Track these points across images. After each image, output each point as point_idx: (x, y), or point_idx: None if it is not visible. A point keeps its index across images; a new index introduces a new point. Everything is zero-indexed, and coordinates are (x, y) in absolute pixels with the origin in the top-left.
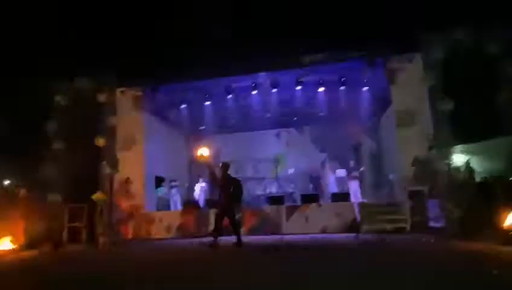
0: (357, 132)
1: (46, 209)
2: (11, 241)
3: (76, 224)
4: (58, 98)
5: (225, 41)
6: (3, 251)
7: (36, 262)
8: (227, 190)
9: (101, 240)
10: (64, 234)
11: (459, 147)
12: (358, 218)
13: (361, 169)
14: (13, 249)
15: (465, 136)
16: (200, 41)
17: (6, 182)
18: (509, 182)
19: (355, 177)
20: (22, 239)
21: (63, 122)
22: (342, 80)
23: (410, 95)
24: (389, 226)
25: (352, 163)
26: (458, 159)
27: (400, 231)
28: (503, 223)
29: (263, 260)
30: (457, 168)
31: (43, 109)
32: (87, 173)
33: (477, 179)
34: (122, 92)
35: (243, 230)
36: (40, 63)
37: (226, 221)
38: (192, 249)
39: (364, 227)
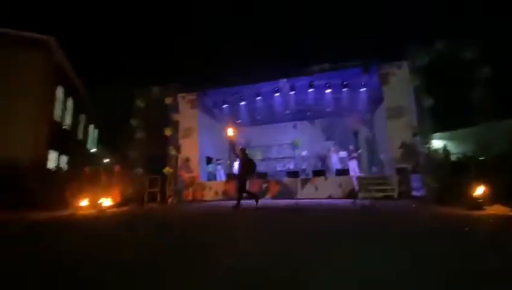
0: (355, 122)
1: (133, 179)
2: (111, 200)
3: (153, 189)
4: (138, 101)
5: (253, 58)
6: (107, 206)
7: (130, 213)
8: (243, 166)
9: (170, 200)
10: (145, 196)
11: (437, 134)
12: (356, 188)
13: (359, 151)
14: (112, 205)
15: (443, 125)
16: (236, 58)
17: (106, 161)
18: (480, 161)
19: (354, 157)
20: (118, 199)
21: (142, 119)
22: (344, 83)
23: (399, 94)
24: (379, 194)
25: (351, 147)
26: (437, 143)
27: (388, 198)
28: (473, 192)
29: (282, 213)
30: (435, 151)
31: (129, 109)
32: (159, 153)
33: (452, 159)
34: (182, 96)
35: (268, 195)
36: (127, 77)
37: (252, 187)
38: (227, 207)
39: (360, 195)
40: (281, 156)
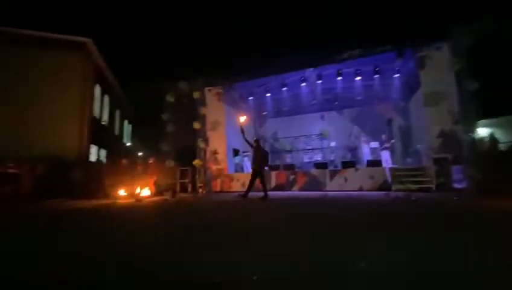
0: (388, 111)
1: (166, 171)
2: (149, 190)
3: (184, 180)
4: (168, 96)
5: (279, 48)
6: (146, 195)
7: (165, 201)
8: (259, 157)
9: (200, 190)
10: (177, 187)
11: (483, 121)
12: (390, 179)
13: (392, 141)
14: (149, 195)
15: (490, 111)
16: (260, 50)
17: (140, 154)
18: None
19: (386, 148)
20: (153, 189)
21: (172, 113)
22: (376, 69)
23: (438, 78)
24: (415, 187)
25: (383, 136)
26: (482, 131)
27: (425, 190)
28: None
29: (311, 204)
30: (481, 139)
31: (160, 104)
32: (189, 146)
33: (502, 148)
34: (209, 90)
35: (296, 187)
36: (157, 73)
37: (279, 179)
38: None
39: (394, 187)
40: (308, 147)
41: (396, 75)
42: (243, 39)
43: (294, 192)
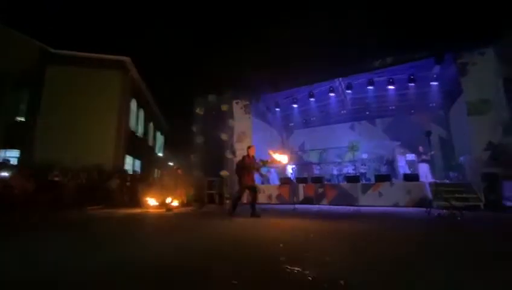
0: (426, 121)
1: (195, 181)
2: (177, 200)
3: (212, 191)
4: (197, 109)
5: (306, 58)
6: (176, 206)
7: (193, 211)
8: (253, 172)
9: (227, 202)
10: (205, 197)
11: None
12: (430, 195)
13: (431, 153)
14: (179, 205)
15: None
16: (287, 61)
17: (170, 164)
18: None
19: (425, 160)
20: (182, 200)
21: (201, 125)
22: (411, 77)
23: (483, 85)
24: (459, 203)
25: (421, 148)
26: None
27: (471, 208)
28: None
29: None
30: None
31: (189, 117)
32: (217, 157)
33: None
34: (236, 103)
35: (325, 201)
36: (187, 87)
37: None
38: (282, 210)
39: (436, 203)
40: (338, 159)
41: (434, 83)
42: (271, 51)
43: (324, 206)
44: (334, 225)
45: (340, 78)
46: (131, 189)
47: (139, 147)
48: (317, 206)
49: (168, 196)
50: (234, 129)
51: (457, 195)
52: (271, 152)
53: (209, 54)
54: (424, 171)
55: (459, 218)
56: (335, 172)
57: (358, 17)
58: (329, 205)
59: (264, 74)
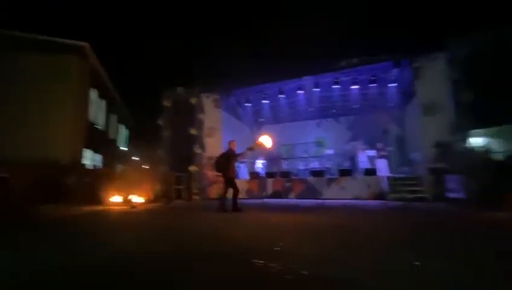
0: (384, 120)
1: (162, 177)
2: (141, 197)
3: (180, 187)
4: (165, 102)
5: (276, 55)
6: (139, 202)
7: (160, 207)
8: (233, 164)
9: (195, 197)
10: (173, 193)
11: (478, 131)
12: (386, 188)
13: (389, 149)
14: (143, 202)
15: (485, 121)
16: (258, 57)
17: (136, 159)
18: None
19: (383, 156)
20: (148, 196)
21: (169, 119)
22: (372, 78)
23: (434, 88)
24: (411, 196)
25: (380, 145)
26: (477, 141)
27: (421, 199)
28: None
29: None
30: (475, 149)
31: (156, 109)
32: (185, 152)
33: (497, 158)
34: (206, 96)
35: (292, 195)
36: (154, 78)
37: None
38: (253, 204)
39: (390, 195)
40: (305, 155)
41: (393, 85)
42: (241, 46)
43: (291, 199)
44: (301, 218)
45: (309, 76)
46: (91, 185)
47: (99, 140)
48: (285, 200)
49: (132, 192)
50: (204, 123)
51: (409, 188)
52: (258, 137)
53: (179, 44)
54: (382, 166)
55: (407, 209)
56: (302, 167)
57: (328, 21)
58: (297, 198)
59: (235, 69)
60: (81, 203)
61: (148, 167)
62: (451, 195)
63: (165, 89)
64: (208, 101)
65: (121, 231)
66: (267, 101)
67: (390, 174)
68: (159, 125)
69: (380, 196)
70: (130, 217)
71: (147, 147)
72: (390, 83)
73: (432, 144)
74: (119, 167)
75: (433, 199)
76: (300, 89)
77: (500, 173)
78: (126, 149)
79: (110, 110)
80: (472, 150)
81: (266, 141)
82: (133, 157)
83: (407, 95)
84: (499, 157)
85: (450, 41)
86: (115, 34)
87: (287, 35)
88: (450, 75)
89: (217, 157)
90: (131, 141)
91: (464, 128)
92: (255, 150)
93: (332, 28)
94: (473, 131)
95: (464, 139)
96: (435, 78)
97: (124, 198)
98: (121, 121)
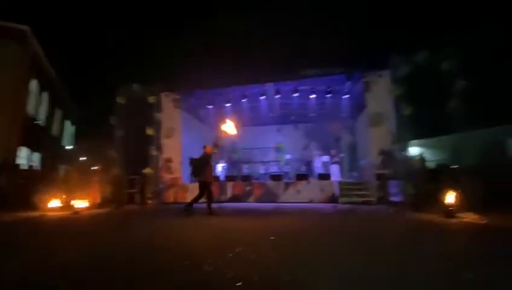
0: (338, 128)
1: (112, 179)
2: (87, 201)
3: (132, 190)
4: (119, 98)
5: (240, 61)
6: (81, 207)
7: (108, 213)
8: (211, 168)
9: (149, 202)
10: (124, 197)
11: (415, 142)
12: (337, 192)
13: (341, 155)
14: (89, 207)
15: (420, 133)
16: (223, 60)
17: (83, 159)
18: (451, 169)
19: (336, 162)
20: (96, 200)
21: (123, 117)
22: (328, 89)
23: (380, 101)
24: (359, 199)
25: (333, 151)
26: (414, 150)
27: (367, 203)
28: (445, 200)
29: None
30: (412, 158)
31: (109, 106)
32: (140, 153)
33: (429, 166)
34: (166, 95)
35: (252, 198)
36: (108, 72)
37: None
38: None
39: (341, 199)
40: (265, 159)
41: (346, 96)
42: (205, 47)
43: (250, 203)
44: (259, 223)
45: (271, 83)
46: (25, 188)
47: (39, 137)
48: (245, 203)
49: (74, 196)
50: (162, 124)
51: (357, 192)
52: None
53: (138, 38)
54: (335, 171)
55: (355, 210)
56: (262, 171)
57: (289, 32)
58: (256, 202)
59: (196, 70)
60: (13, 209)
61: (97, 169)
62: (393, 198)
63: (120, 85)
64: (167, 101)
65: (42, 244)
66: (230, 104)
67: (342, 179)
68: (111, 124)
69: (332, 199)
70: (64, 224)
71: (96, 147)
72: (344, 95)
73: (378, 152)
74: (63, 168)
75: (377, 202)
76: (262, 94)
77: (431, 179)
78: (72, 148)
79: (53, 104)
80: (410, 158)
81: (229, 127)
82: (80, 158)
83: (358, 106)
84: (432, 165)
85: (394, 60)
86: (62, 17)
87: (251, 43)
88: (393, 91)
89: (193, 162)
90: (78, 139)
91: (404, 139)
92: (220, 144)
93: (293, 39)
94: (411, 141)
95: (404, 149)
96: (381, 93)
97: (65, 202)
98: (66, 116)
